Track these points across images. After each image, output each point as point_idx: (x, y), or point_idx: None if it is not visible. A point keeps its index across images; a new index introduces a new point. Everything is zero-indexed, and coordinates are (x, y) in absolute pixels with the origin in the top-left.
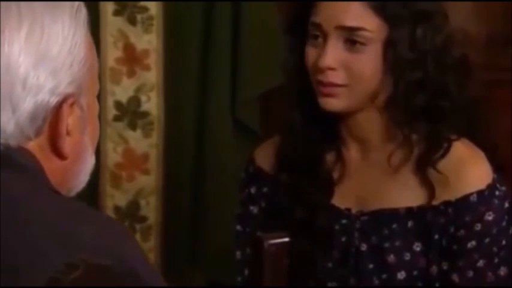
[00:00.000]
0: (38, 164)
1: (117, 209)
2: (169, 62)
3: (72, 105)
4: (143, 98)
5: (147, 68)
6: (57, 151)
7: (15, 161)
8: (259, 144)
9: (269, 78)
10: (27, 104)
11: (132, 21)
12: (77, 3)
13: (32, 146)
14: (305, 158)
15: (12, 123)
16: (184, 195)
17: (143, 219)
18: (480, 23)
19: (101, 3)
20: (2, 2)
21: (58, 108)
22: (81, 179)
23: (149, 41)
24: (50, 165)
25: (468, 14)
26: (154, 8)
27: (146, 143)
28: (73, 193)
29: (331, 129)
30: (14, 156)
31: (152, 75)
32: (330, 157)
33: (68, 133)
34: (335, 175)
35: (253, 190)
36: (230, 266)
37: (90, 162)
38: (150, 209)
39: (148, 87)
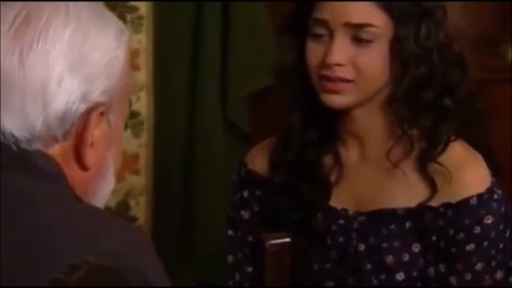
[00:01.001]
0: (60, 169)
1: (106, 209)
2: (159, 62)
3: (101, 115)
4: (133, 98)
5: (136, 67)
6: (79, 160)
7: (37, 166)
8: (251, 148)
9: (259, 78)
10: (58, 103)
11: (122, 21)
12: (121, 24)
13: (56, 149)
14: (303, 162)
15: (40, 120)
16: (174, 196)
17: (133, 219)
18: (469, 23)
19: None
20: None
21: (87, 115)
22: (99, 198)
23: (139, 40)
24: (72, 173)
25: (457, 13)
26: (144, 8)
27: (136, 143)
28: None
29: (329, 130)
30: (36, 161)
31: (142, 75)
32: (327, 160)
33: (92, 144)
34: (333, 177)
35: (245, 194)
36: (219, 266)
37: (110, 182)
38: (140, 209)
39: (138, 87)
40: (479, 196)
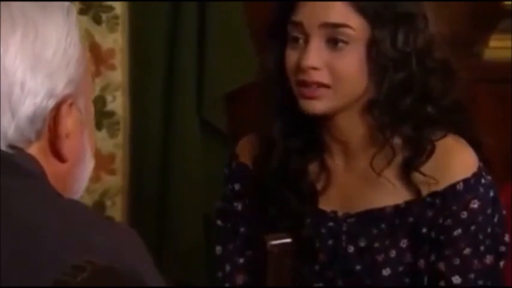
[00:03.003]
0: (41, 167)
1: None
2: (135, 62)
3: (70, 106)
4: (108, 98)
5: (112, 67)
6: (57, 154)
7: (20, 167)
8: (242, 139)
9: (236, 78)
10: (26, 107)
11: (97, 21)
12: (66, 4)
13: (33, 150)
14: (288, 171)
15: (12, 127)
16: (151, 196)
17: None
18: (442, 23)
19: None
20: None
21: (57, 109)
22: (82, 183)
23: (114, 40)
24: (52, 169)
25: (430, 14)
26: (119, 7)
27: (112, 143)
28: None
29: (312, 137)
30: (18, 162)
31: (118, 74)
32: (313, 167)
33: (67, 135)
34: (319, 185)
35: (237, 186)
36: (197, 266)
37: (90, 165)
38: (116, 209)
39: (113, 87)
40: (466, 181)
